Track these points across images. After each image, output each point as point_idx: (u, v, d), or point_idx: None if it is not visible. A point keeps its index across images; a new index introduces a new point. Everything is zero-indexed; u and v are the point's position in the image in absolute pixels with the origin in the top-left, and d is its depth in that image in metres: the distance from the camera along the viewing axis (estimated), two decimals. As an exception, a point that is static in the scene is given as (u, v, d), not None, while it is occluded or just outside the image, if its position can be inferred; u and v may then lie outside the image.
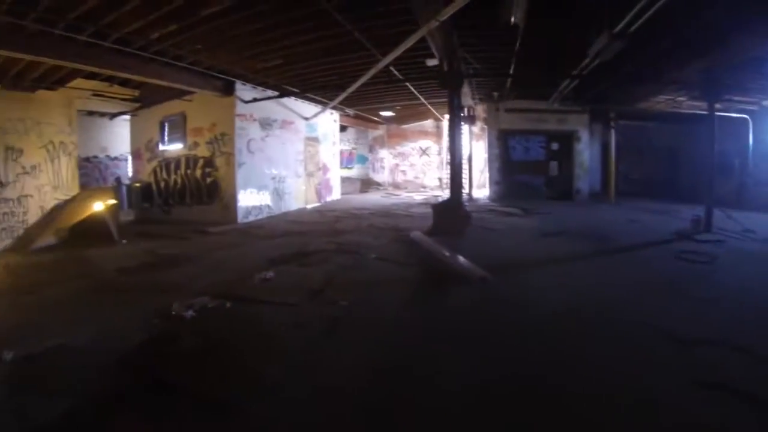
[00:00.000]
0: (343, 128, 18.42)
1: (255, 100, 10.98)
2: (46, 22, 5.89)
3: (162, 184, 11.90)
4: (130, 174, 13.55)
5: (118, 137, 14.09)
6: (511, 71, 10.00)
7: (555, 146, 14.96)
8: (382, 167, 22.69)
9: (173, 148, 11.69)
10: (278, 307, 4.43)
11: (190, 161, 11.33)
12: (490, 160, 15.18)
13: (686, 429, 2.40)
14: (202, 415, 2.61)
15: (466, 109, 13.48)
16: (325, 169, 15.71)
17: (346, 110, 16.34)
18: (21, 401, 2.78)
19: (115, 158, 14.49)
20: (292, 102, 13.04)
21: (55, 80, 8.73)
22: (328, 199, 16.00)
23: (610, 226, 9.30)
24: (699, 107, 12.09)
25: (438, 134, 21.35)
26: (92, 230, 8.89)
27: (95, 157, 13.92)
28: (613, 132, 14.44)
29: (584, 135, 14.69)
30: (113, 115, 13.01)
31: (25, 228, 8.98)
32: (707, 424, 2.40)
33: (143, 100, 11.72)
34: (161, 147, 11.91)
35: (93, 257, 7.31)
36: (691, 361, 3.19)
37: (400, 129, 21.95)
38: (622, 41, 6.44)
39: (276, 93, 11.51)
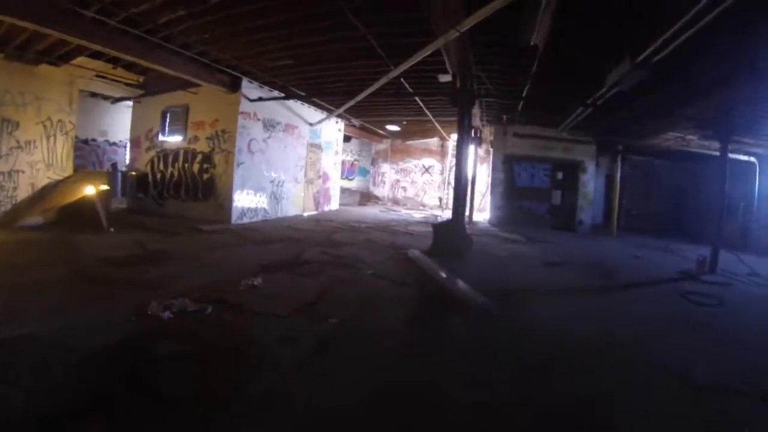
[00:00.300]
0: (347, 138, 18.23)
1: (261, 99, 10.75)
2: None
3: (158, 176, 11.59)
4: (127, 161, 13.27)
5: (119, 122, 13.85)
6: (524, 94, 9.82)
7: (560, 175, 14.77)
8: (383, 181, 22.42)
9: (173, 139, 11.40)
10: (264, 318, 4.10)
11: (189, 155, 11.04)
12: (494, 184, 14.96)
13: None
14: (160, 427, 2.35)
15: (473, 130, 13.29)
16: (325, 177, 15.43)
17: (352, 120, 16.15)
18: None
19: (114, 144, 14.25)
20: (297, 106, 12.83)
21: (60, 55, 8.55)
22: (326, 208, 15.70)
23: (615, 260, 9.12)
24: (708, 147, 12.00)
25: (442, 153, 21.17)
26: (81, 215, 8.69)
27: (94, 140, 13.68)
28: (619, 165, 14.33)
29: (590, 166, 14.52)
30: (116, 100, 12.83)
31: (13, 204, 8.83)
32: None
33: (147, 87, 11.47)
34: (161, 137, 11.61)
35: (78, 243, 7.05)
36: (708, 411, 2.94)
37: (405, 144, 21.75)
38: (643, 71, 6.25)
39: (282, 94, 11.29)
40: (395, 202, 21.63)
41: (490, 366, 3.49)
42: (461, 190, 8.59)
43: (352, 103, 11.09)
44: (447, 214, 16.91)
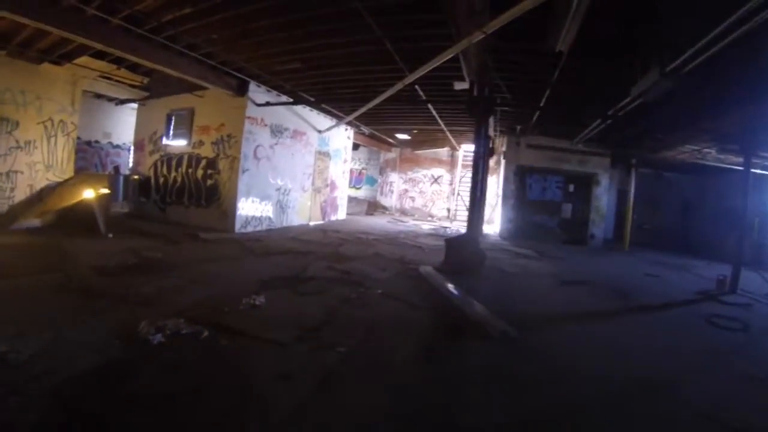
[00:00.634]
0: (355, 146, 17.87)
1: (268, 104, 10.40)
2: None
3: (161, 180, 11.27)
4: (130, 165, 12.98)
5: (124, 125, 13.62)
6: (541, 104, 9.42)
7: (571, 188, 14.34)
8: (391, 191, 21.98)
9: (177, 143, 11.09)
10: (263, 345, 3.69)
11: (193, 160, 10.72)
12: (505, 196, 14.53)
13: None
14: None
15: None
16: (333, 186, 15.06)
17: (362, 127, 15.81)
18: None
19: (118, 146, 14.00)
20: (306, 112, 12.49)
21: (62, 54, 8.30)
22: (333, 218, 15.32)
23: (630, 279, 8.71)
24: (723, 160, 11.60)
25: (452, 164, 20.77)
26: (79, 218, 8.44)
27: (97, 142, 13.45)
28: (633, 178, 13.94)
29: (604, 179, 14.10)
30: (120, 101, 12.59)
31: (10, 205, 8.61)
32: None
33: (152, 89, 11.21)
34: (165, 141, 11.30)
35: (73, 249, 6.76)
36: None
37: (414, 154, 21.36)
38: (672, 81, 5.87)
39: (291, 99, 10.96)
40: (403, 212, 21.22)
41: (514, 403, 3.09)
42: (477, 203, 8.19)
43: (364, 109, 10.72)
44: (456, 226, 16.61)
